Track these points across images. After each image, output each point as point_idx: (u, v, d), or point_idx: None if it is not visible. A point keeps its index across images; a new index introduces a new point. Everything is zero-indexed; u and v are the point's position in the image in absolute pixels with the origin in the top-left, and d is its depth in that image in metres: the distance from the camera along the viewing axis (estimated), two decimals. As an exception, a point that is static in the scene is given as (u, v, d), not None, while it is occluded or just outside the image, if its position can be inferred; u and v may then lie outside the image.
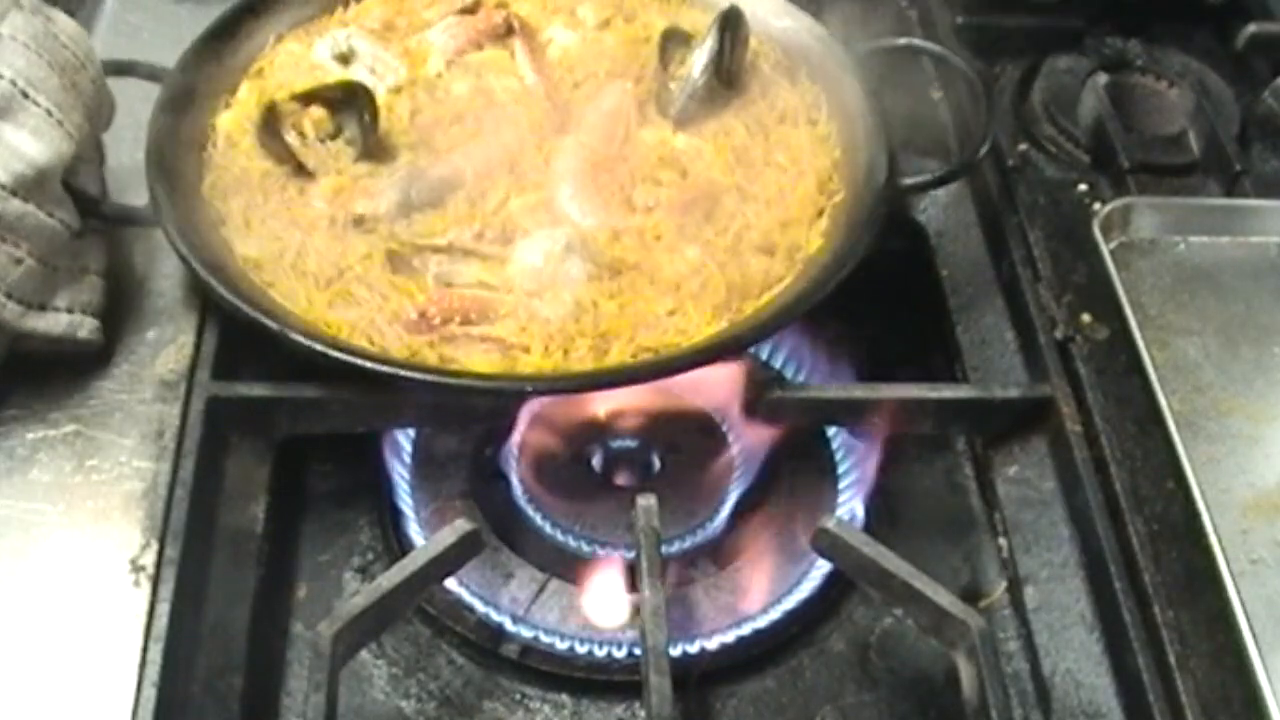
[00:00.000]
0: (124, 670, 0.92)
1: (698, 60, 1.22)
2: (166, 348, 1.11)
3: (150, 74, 1.20)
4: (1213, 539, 1.01)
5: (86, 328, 1.07)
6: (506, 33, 1.29)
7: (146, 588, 0.96)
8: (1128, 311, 1.16)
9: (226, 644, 1.00)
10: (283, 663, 1.02)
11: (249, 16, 1.27)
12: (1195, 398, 1.15)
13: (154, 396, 1.08)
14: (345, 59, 1.25)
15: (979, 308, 1.27)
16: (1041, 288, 1.22)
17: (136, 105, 1.16)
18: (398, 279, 1.07)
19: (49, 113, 1.01)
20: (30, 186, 0.99)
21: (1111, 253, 1.22)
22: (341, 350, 0.99)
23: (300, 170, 1.14)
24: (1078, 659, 1.04)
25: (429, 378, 0.99)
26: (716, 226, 1.13)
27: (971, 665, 0.96)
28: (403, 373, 0.99)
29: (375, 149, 1.16)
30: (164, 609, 0.93)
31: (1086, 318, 1.21)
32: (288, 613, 1.09)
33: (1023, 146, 1.40)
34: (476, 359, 1.02)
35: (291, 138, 1.17)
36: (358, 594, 0.95)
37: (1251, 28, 1.48)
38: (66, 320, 1.05)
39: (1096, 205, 1.30)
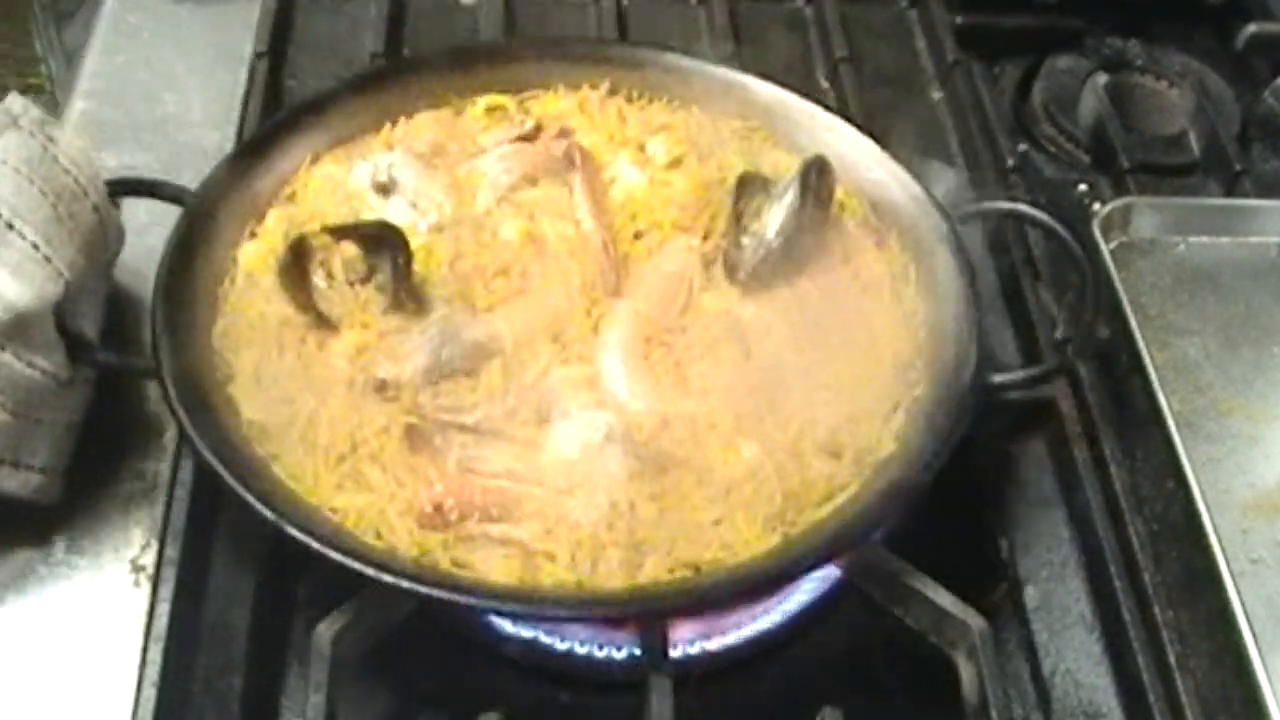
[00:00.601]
0: (124, 670, 0.92)
1: (774, 218, 1.08)
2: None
3: (172, 195, 1.09)
4: (1213, 539, 1.01)
5: (56, 489, 0.98)
6: (566, 166, 1.16)
7: (146, 588, 0.97)
8: (1128, 311, 1.16)
9: (226, 644, 0.99)
10: (283, 663, 1.02)
11: (283, 132, 1.15)
12: (1195, 398, 1.15)
13: (155, 397, 1.08)
14: (385, 189, 1.13)
15: (980, 308, 1.27)
16: (1041, 288, 1.22)
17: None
18: (416, 460, 0.95)
19: (35, 247, 0.92)
20: (8, 331, 0.89)
21: (1111, 253, 1.22)
22: (342, 551, 0.87)
23: (322, 321, 1.03)
24: (1078, 659, 1.04)
25: (435, 593, 0.87)
26: (778, 418, 1.00)
27: (971, 665, 0.96)
28: (405, 584, 0.86)
29: (407, 300, 1.04)
30: (164, 609, 0.94)
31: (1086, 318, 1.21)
32: (288, 613, 1.09)
33: (1023, 146, 1.40)
34: (494, 564, 0.91)
35: (319, 277, 1.06)
36: (357, 593, 0.95)
37: (1251, 28, 1.48)
38: (36, 482, 0.95)
39: (1096, 205, 1.30)
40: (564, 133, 1.19)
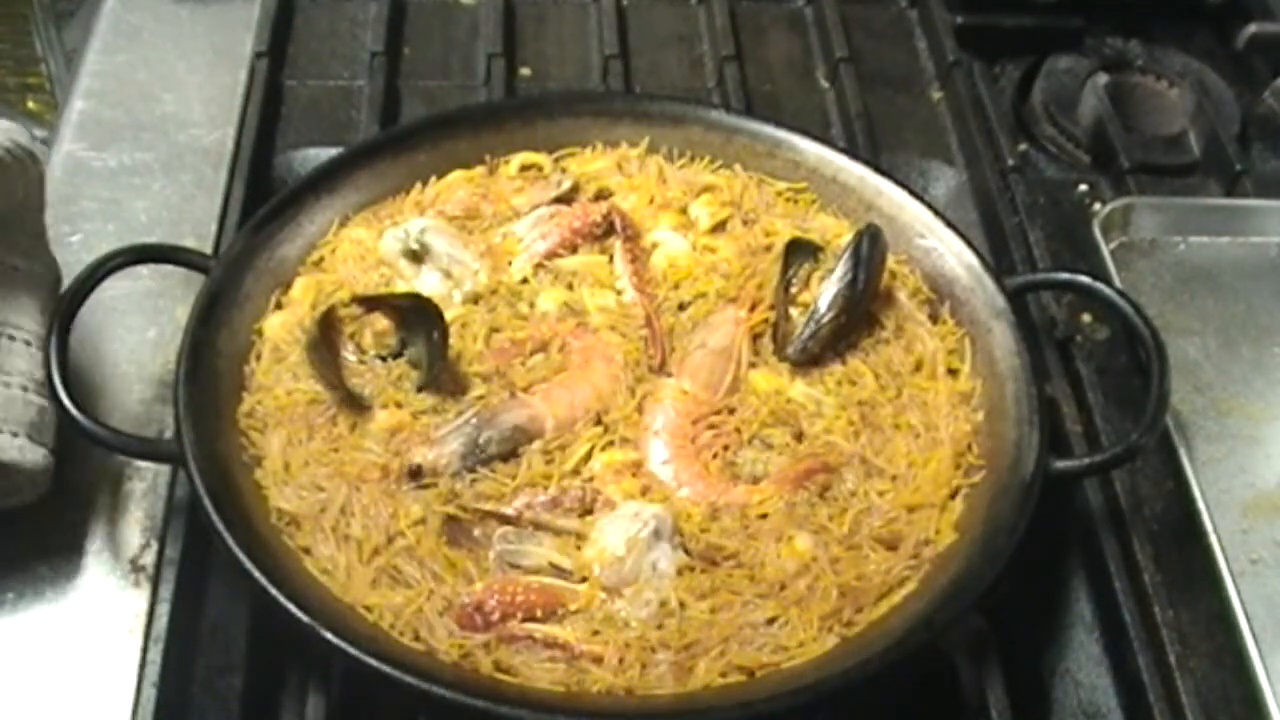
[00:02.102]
0: (124, 670, 0.92)
1: (825, 292, 1.04)
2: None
3: (194, 263, 1.05)
4: (1213, 539, 1.01)
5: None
6: (605, 232, 1.11)
7: (146, 588, 0.97)
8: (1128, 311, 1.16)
9: (226, 644, 0.99)
10: (283, 663, 1.02)
11: (310, 195, 1.10)
12: (1195, 398, 1.15)
13: (154, 396, 1.08)
14: (417, 256, 1.07)
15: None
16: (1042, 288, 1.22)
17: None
18: (454, 554, 0.91)
19: None
20: None
21: (1111, 253, 1.22)
22: (379, 657, 0.83)
23: (352, 400, 0.98)
24: (1078, 659, 1.04)
25: (477, 703, 0.82)
26: (833, 507, 0.96)
27: (971, 665, 0.96)
28: (447, 694, 0.82)
29: (442, 378, 1.00)
30: (164, 609, 0.94)
31: (1086, 318, 1.21)
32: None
33: (1023, 146, 1.40)
34: (538, 669, 0.87)
35: (349, 350, 1.02)
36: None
37: (1251, 28, 1.48)
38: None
39: (1096, 205, 1.30)
40: (602, 195, 1.15)
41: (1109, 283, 1.08)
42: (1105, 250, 1.21)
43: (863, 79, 1.42)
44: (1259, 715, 0.94)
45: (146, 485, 1.02)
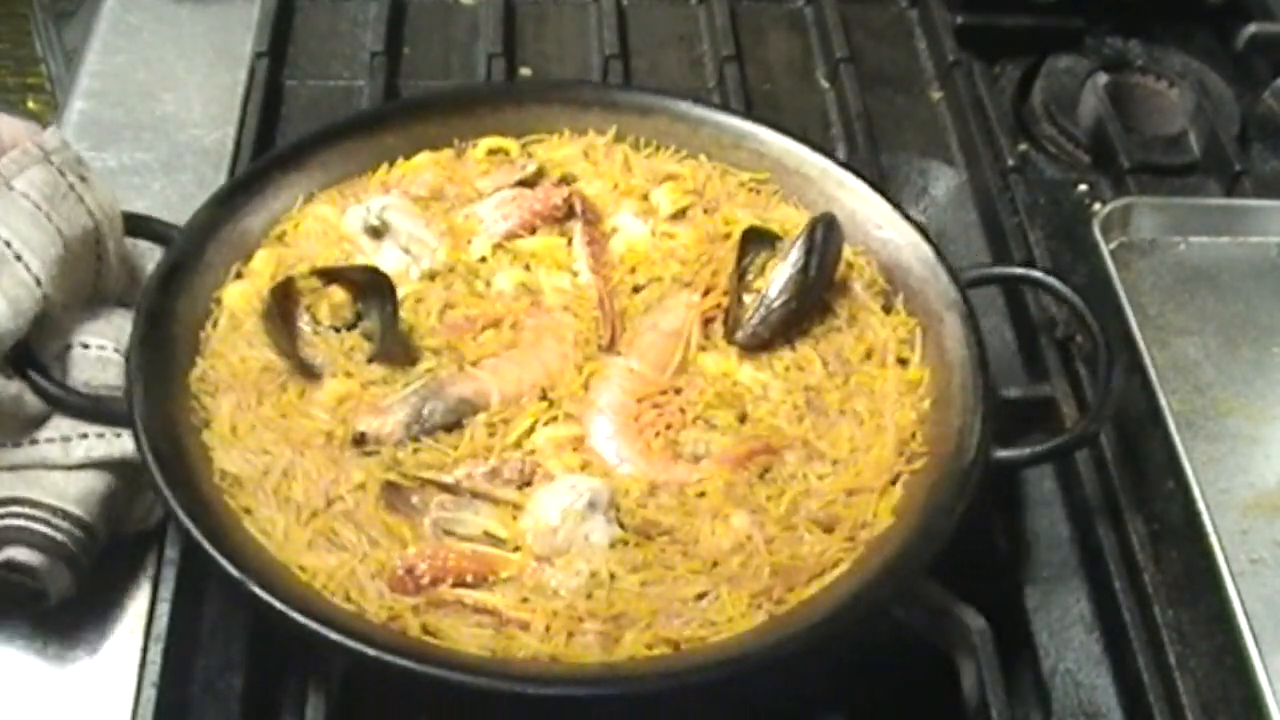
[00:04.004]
0: (124, 670, 0.92)
1: (777, 277, 1.04)
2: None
3: (158, 235, 1.07)
4: (1213, 539, 1.01)
5: None
6: (567, 215, 1.13)
7: (146, 588, 0.97)
8: (1128, 311, 1.16)
9: (226, 644, 0.99)
10: (283, 663, 1.02)
11: (277, 169, 1.12)
12: (1195, 398, 1.15)
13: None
14: (378, 233, 1.09)
15: (979, 308, 1.27)
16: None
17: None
18: (392, 520, 0.92)
19: (38, 282, 0.94)
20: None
21: (1111, 253, 1.22)
22: (307, 614, 0.84)
23: (304, 369, 1.00)
24: (1078, 659, 1.04)
25: (398, 661, 0.83)
26: (772, 489, 0.96)
27: (971, 665, 0.96)
28: (370, 652, 0.83)
29: (393, 350, 1.01)
30: (164, 609, 0.93)
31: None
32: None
33: (1023, 146, 1.40)
34: (465, 634, 0.87)
35: (304, 321, 1.03)
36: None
37: (1251, 28, 1.48)
38: None
39: (1096, 205, 1.31)
40: (566, 180, 1.16)
41: (1062, 278, 1.09)
42: (1105, 250, 1.21)
43: (863, 79, 1.42)
44: (1259, 715, 0.94)
45: (147, 485, 1.02)
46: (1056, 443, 1.01)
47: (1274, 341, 1.21)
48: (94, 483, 0.95)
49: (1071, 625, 1.06)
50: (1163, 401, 1.09)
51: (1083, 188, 1.36)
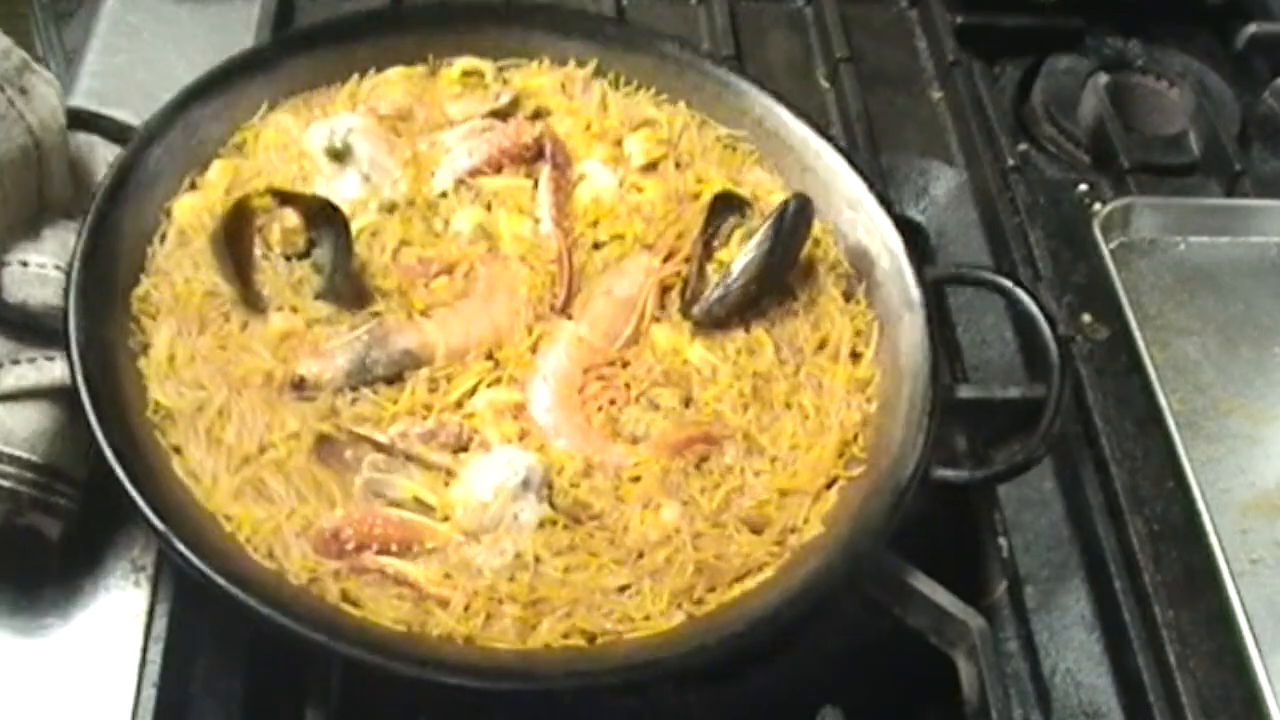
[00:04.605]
0: (124, 670, 0.92)
1: (741, 258, 1.01)
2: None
3: (115, 134, 1.03)
4: (1213, 539, 1.01)
5: None
6: (535, 156, 1.09)
7: (146, 588, 0.97)
8: (1128, 311, 1.16)
9: (226, 644, 0.99)
10: (283, 663, 1.02)
11: (243, 75, 1.07)
12: (1195, 398, 1.15)
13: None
14: (339, 156, 1.05)
15: (979, 308, 1.27)
16: (1041, 288, 1.22)
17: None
18: (322, 474, 0.90)
19: None
20: None
21: (1111, 253, 1.22)
22: (224, 573, 0.82)
23: (250, 298, 0.97)
24: (1078, 659, 1.04)
25: (305, 632, 0.81)
26: (707, 480, 0.95)
27: (971, 665, 0.96)
28: (280, 619, 0.81)
29: (343, 288, 0.98)
30: (164, 609, 0.93)
31: (1086, 318, 1.21)
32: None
33: (1023, 146, 1.40)
34: (384, 605, 0.86)
35: (255, 245, 1.00)
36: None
37: (1251, 28, 1.48)
38: None
39: (1096, 205, 1.31)
40: (540, 114, 1.12)
41: (1021, 285, 1.06)
42: (1105, 250, 1.21)
43: (863, 79, 1.42)
44: (1259, 715, 0.94)
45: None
46: (996, 469, 1.00)
47: (1274, 341, 1.21)
48: (42, 420, 0.92)
49: (1071, 625, 1.06)
50: (1163, 401, 1.09)
51: (1083, 188, 1.35)
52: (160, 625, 0.93)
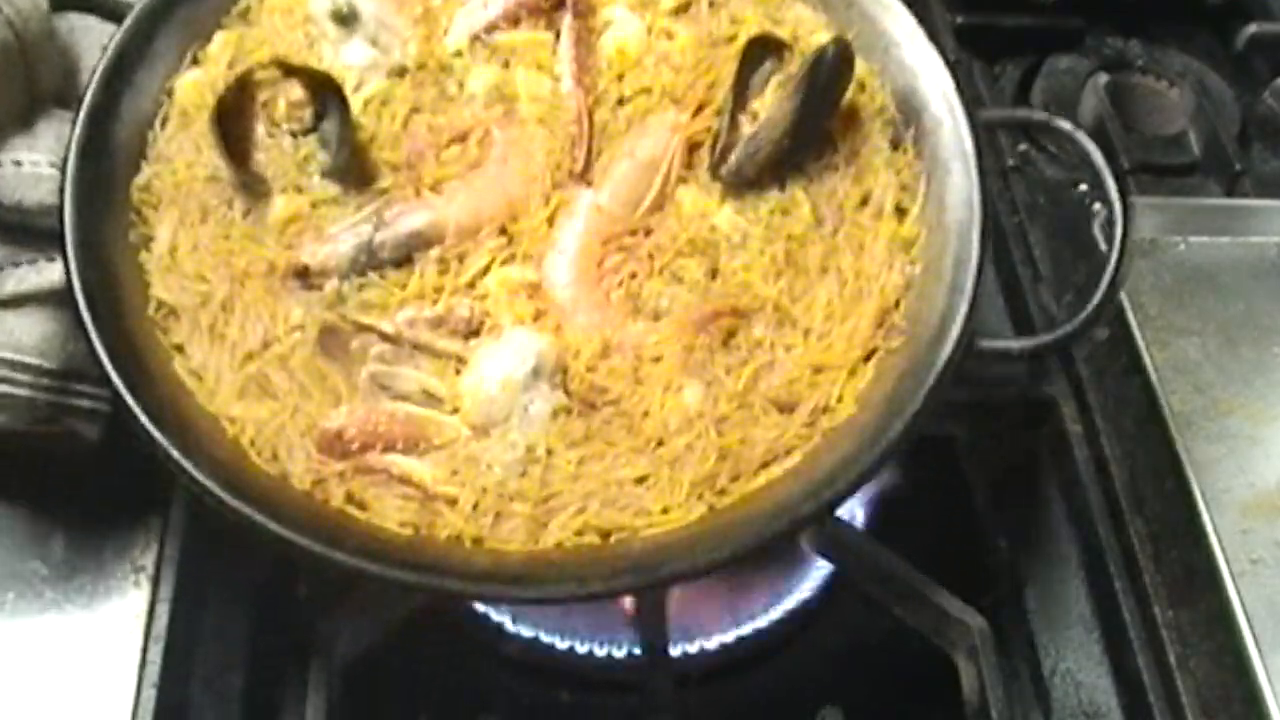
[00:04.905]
0: (124, 670, 0.92)
1: (773, 111, 0.94)
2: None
3: (110, 10, 0.97)
4: (1213, 539, 1.01)
5: None
6: (556, 5, 1.01)
7: (146, 588, 0.97)
8: (1128, 311, 1.16)
9: (226, 644, 1.00)
10: (283, 663, 1.02)
11: None
12: (1195, 398, 1.14)
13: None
14: (345, 20, 0.98)
15: (979, 308, 1.27)
16: (1041, 288, 1.22)
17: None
18: (327, 367, 0.87)
19: None
20: None
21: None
22: (223, 485, 0.80)
23: (253, 180, 0.93)
24: (1078, 659, 1.05)
25: (304, 542, 0.79)
26: (733, 358, 0.89)
27: (971, 665, 0.96)
28: (281, 531, 0.79)
29: (348, 165, 0.93)
30: (164, 609, 0.94)
31: (1086, 317, 1.21)
32: (288, 613, 1.09)
33: (1023, 146, 1.40)
34: (389, 506, 0.83)
35: (259, 122, 0.95)
36: (357, 593, 0.95)
37: (1251, 28, 1.48)
38: None
39: (1096, 205, 1.30)
40: None
41: (1081, 128, 0.99)
42: (1105, 250, 1.21)
43: (863, 79, 1.42)
44: (1259, 715, 0.94)
45: (147, 485, 1.02)
46: (1058, 333, 0.91)
47: (1274, 341, 1.20)
48: (50, 324, 0.89)
49: (1071, 625, 1.06)
50: (1163, 401, 1.09)
51: (1083, 188, 1.36)
52: (160, 625, 0.93)
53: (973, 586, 1.15)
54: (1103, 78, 1.42)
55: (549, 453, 0.85)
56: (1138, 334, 1.14)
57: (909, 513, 1.21)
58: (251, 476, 0.83)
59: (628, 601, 1.09)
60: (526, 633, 1.08)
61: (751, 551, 0.81)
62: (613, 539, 0.84)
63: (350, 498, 0.84)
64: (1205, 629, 1.00)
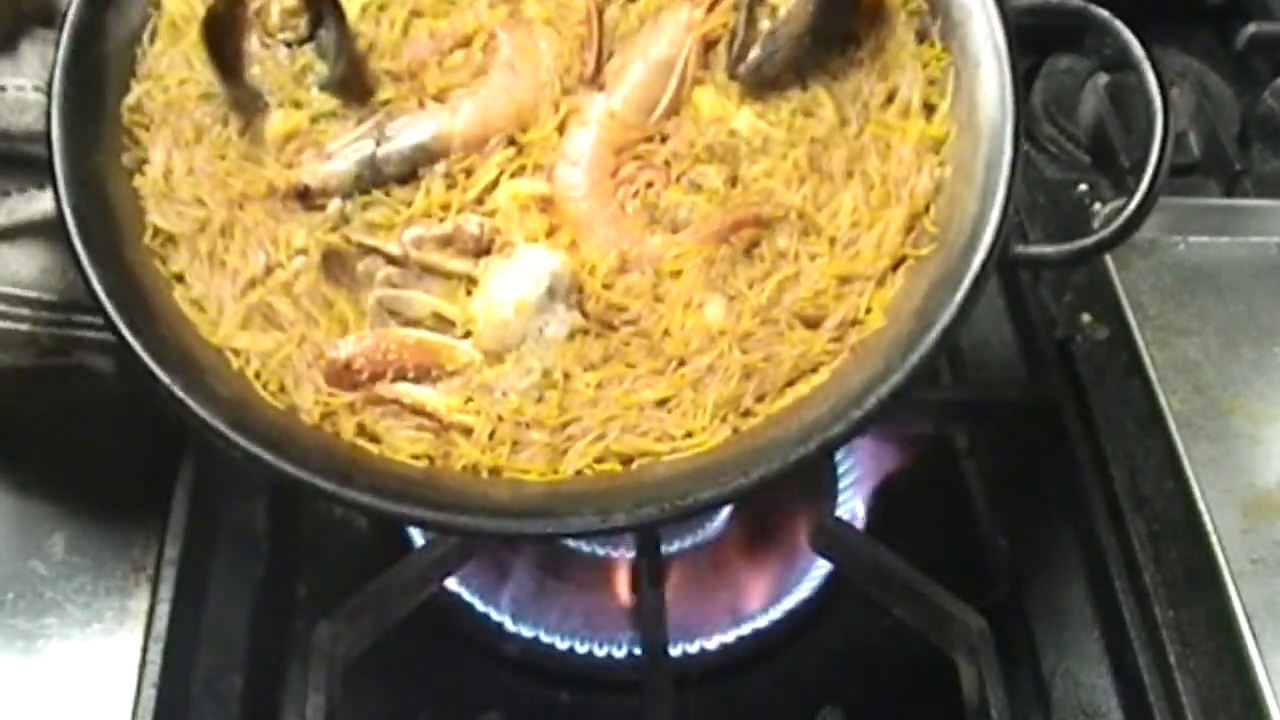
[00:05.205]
0: (124, 670, 0.92)
1: (796, 4, 0.88)
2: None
3: None
4: (1213, 539, 1.01)
5: None
6: None
7: (146, 588, 0.97)
8: (1128, 311, 1.16)
9: (226, 644, 1.00)
10: (283, 663, 1.02)
11: None
12: (1195, 398, 1.15)
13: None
14: None
15: (979, 308, 1.27)
16: (1041, 288, 1.22)
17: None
18: (333, 292, 0.84)
19: None
20: None
21: (1112, 253, 1.22)
22: (230, 423, 0.77)
23: (248, 96, 0.88)
24: (1078, 659, 1.05)
25: (316, 481, 0.76)
26: (756, 270, 0.86)
27: (971, 665, 0.96)
28: (290, 470, 0.76)
29: (347, 76, 0.88)
30: (164, 609, 0.94)
31: (1086, 318, 1.21)
32: (288, 613, 1.09)
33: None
34: (402, 438, 0.81)
35: (255, 32, 0.89)
36: (357, 593, 0.95)
37: (1251, 28, 1.48)
38: None
39: (1096, 205, 1.30)
40: None
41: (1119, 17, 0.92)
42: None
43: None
44: (1259, 715, 0.94)
45: (147, 485, 1.02)
46: (1096, 238, 0.85)
47: (1274, 341, 1.20)
48: (46, 255, 0.87)
49: (1071, 625, 1.06)
50: (1163, 401, 1.09)
51: (1083, 188, 1.36)
52: (160, 625, 0.93)
53: (973, 586, 1.15)
54: (1103, 78, 1.42)
55: (566, 376, 0.83)
56: (1138, 334, 1.14)
57: (909, 513, 1.21)
58: (259, 412, 0.80)
59: (627, 598, 1.09)
60: (526, 633, 1.08)
61: (781, 477, 0.77)
62: (635, 465, 0.81)
63: (362, 430, 0.82)
64: (1205, 629, 1.00)
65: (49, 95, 0.84)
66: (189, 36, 0.89)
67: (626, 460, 0.81)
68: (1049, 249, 0.88)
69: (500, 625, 1.08)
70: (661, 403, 0.83)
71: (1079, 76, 1.45)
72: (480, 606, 1.09)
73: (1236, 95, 1.46)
